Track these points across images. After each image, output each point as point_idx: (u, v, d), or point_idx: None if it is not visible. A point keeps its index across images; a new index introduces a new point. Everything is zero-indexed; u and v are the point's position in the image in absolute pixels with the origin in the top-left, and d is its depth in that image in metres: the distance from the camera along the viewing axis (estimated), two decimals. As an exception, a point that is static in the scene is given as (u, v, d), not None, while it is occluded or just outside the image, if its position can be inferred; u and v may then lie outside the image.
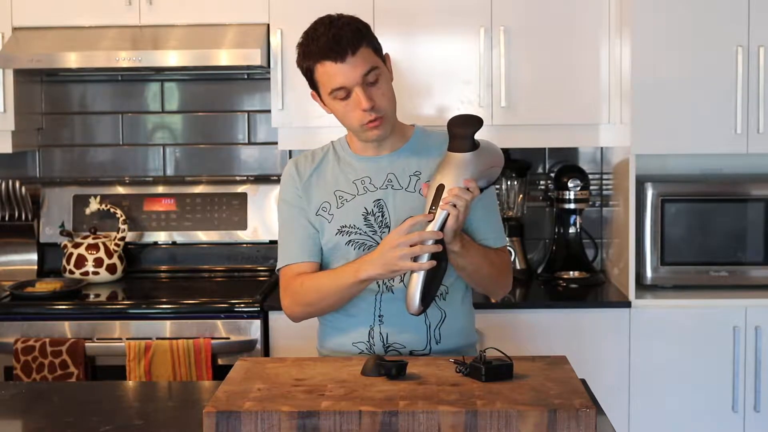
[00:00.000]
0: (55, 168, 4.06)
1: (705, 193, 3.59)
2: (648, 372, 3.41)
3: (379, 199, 2.37)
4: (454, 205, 2.16)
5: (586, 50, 3.62)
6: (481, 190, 2.25)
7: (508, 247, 3.81)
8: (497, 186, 3.87)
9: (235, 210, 3.93)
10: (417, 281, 2.18)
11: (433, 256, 2.19)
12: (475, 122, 2.22)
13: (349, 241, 2.37)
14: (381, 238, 2.34)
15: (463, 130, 2.22)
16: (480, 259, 2.32)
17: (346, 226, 2.38)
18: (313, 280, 2.38)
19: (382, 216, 2.36)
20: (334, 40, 2.27)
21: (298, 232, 2.42)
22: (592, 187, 3.90)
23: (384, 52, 2.37)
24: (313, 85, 2.35)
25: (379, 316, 2.37)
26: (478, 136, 2.24)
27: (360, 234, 2.37)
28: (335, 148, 2.47)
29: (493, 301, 2.56)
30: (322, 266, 2.44)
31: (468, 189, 2.18)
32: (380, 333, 2.36)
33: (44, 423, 2.18)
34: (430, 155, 2.38)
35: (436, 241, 2.18)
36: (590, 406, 1.84)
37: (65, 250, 3.82)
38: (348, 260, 2.36)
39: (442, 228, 2.18)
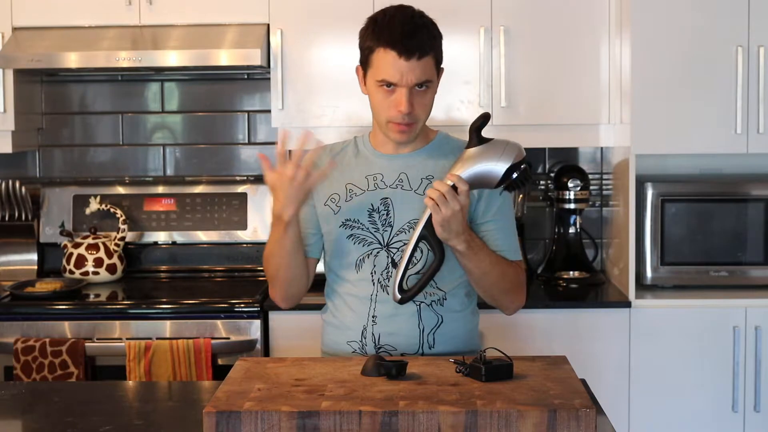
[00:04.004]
0: (55, 168, 4.05)
1: (705, 193, 3.59)
2: (648, 372, 3.41)
3: (387, 198, 2.37)
4: (433, 199, 2.17)
5: (586, 50, 3.62)
6: (508, 187, 2.23)
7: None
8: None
9: (235, 210, 3.93)
10: (399, 270, 2.23)
11: (433, 252, 2.23)
12: (479, 118, 2.23)
13: (351, 235, 2.37)
14: (383, 236, 2.35)
15: (471, 126, 2.24)
16: (489, 265, 2.31)
17: (350, 220, 2.38)
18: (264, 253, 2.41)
19: (387, 214, 2.36)
20: (409, 35, 2.28)
21: (303, 225, 2.42)
22: (592, 187, 3.90)
23: (441, 65, 2.39)
24: (365, 63, 2.34)
25: (373, 317, 2.37)
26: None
27: (362, 230, 2.37)
28: (356, 142, 2.48)
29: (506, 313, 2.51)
30: (325, 261, 2.47)
31: (451, 184, 2.18)
32: (372, 333, 2.37)
33: (44, 423, 2.18)
34: (446, 160, 2.37)
35: (430, 232, 2.20)
36: (590, 406, 1.84)
37: (65, 250, 3.82)
38: (348, 255, 2.38)
39: (430, 221, 2.20)
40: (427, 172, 2.38)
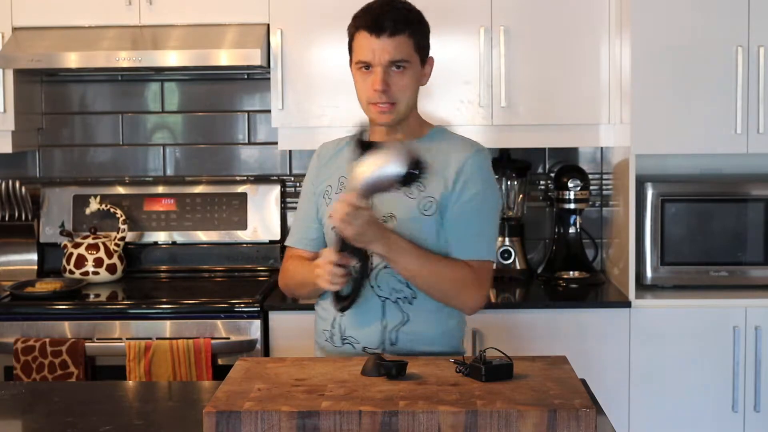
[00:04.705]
0: (55, 168, 4.05)
1: (705, 193, 3.59)
2: (648, 372, 3.41)
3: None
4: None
5: (586, 50, 3.62)
6: (405, 184, 2.18)
7: (510, 249, 3.81)
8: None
9: (235, 210, 3.93)
10: None
11: (358, 257, 2.26)
12: (357, 131, 2.24)
13: (335, 226, 2.38)
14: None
15: (353, 139, 2.25)
16: (418, 267, 2.29)
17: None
18: (297, 267, 2.47)
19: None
20: (382, 17, 2.33)
21: (306, 218, 2.50)
22: (592, 187, 3.90)
23: (429, 55, 2.41)
24: (350, 52, 2.41)
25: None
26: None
27: None
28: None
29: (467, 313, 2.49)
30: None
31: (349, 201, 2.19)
32: (340, 324, 2.41)
33: (44, 423, 2.18)
34: (444, 149, 2.38)
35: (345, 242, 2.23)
36: (590, 406, 1.84)
37: (65, 250, 3.82)
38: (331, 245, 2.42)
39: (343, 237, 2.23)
40: None
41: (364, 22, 2.34)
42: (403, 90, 2.34)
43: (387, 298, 2.37)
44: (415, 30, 2.36)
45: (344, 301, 2.31)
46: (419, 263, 2.29)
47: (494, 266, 2.37)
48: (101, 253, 3.79)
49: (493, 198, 2.41)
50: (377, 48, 2.32)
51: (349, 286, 2.28)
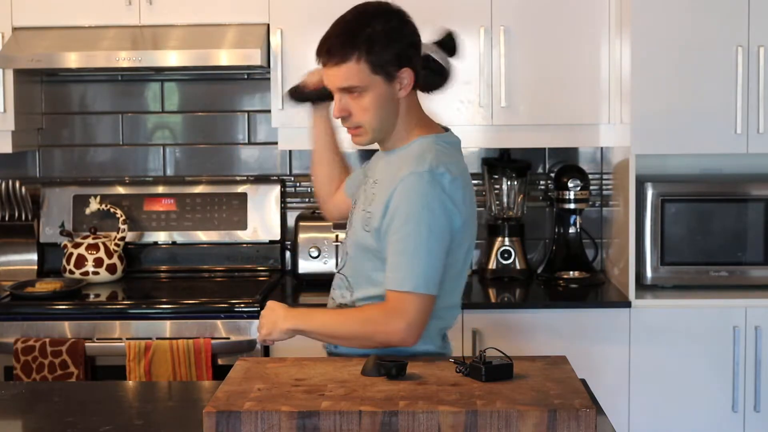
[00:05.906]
0: (55, 168, 4.05)
1: (705, 193, 3.59)
2: (648, 372, 3.41)
3: (357, 198, 2.41)
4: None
5: (586, 50, 3.62)
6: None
7: (507, 247, 3.81)
8: (496, 186, 3.87)
9: (235, 210, 3.93)
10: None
11: None
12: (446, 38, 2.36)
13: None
14: (346, 235, 2.41)
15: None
16: (326, 336, 2.30)
17: (346, 221, 2.46)
18: None
19: (352, 215, 2.39)
20: (326, 43, 2.22)
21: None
22: (592, 187, 3.90)
23: (399, 69, 2.21)
24: None
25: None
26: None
27: (343, 229, 2.47)
28: None
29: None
30: None
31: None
32: None
33: (44, 423, 2.18)
34: (398, 166, 2.23)
35: None
36: (590, 406, 1.84)
37: (65, 250, 3.82)
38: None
39: None
40: (378, 175, 2.31)
41: (317, 50, 2.24)
42: (364, 113, 2.21)
43: (340, 303, 2.36)
44: (366, 52, 2.18)
45: None
46: (324, 332, 2.29)
47: (423, 296, 2.17)
48: (101, 253, 3.79)
49: (423, 225, 2.15)
50: (328, 76, 2.22)
51: None
